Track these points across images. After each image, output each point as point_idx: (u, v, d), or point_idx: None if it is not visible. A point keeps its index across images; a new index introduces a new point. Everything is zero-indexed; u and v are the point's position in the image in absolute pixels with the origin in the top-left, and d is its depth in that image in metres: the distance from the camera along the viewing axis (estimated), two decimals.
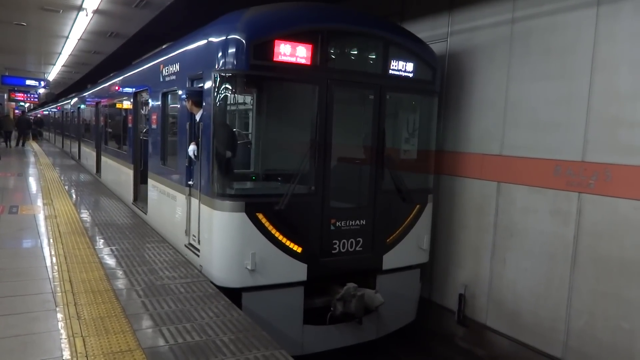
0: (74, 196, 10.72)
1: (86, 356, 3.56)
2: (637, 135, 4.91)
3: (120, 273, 5.53)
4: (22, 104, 40.81)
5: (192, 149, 5.92)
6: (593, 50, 5.28)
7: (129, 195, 9.69)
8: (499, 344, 6.39)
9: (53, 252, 6.14)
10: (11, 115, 33.88)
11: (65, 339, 3.83)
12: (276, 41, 5.27)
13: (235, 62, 5.24)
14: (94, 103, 14.82)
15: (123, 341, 3.83)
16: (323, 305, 5.88)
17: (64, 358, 3.54)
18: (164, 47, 7.93)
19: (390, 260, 6.31)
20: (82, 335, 3.89)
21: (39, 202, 9.55)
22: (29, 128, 29.39)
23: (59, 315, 4.27)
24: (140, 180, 9.12)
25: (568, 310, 5.55)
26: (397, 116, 7.05)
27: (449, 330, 7.13)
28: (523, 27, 6.07)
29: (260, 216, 5.37)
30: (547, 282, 5.79)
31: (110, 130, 12.73)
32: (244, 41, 5.18)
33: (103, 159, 13.17)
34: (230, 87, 5.38)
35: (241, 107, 7.86)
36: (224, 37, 5.36)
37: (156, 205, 7.80)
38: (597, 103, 5.25)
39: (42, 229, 7.38)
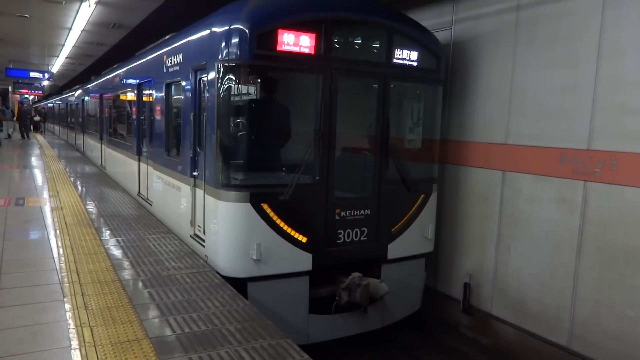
0: (79, 188, 10.76)
1: (94, 346, 3.60)
2: None
3: (126, 264, 5.57)
4: (26, 96, 40.83)
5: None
6: (599, 37, 5.22)
7: (133, 186, 9.72)
8: (503, 333, 6.41)
9: (60, 244, 6.19)
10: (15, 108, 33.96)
11: (73, 328, 3.87)
12: (279, 30, 5.24)
13: (238, 52, 5.22)
14: (98, 95, 14.83)
15: (130, 331, 3.87)
16: (328, 294, 5.90)
17: (72, 347, 3.57)
18: (167, 37, 7.90)
19: (395, 249, 6.32)
20: (89, 325, 3.93)
21: (45, 194, 9.61)
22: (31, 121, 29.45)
23: (67, 306, 4.31)
24: None
25: (573, 298, 5.55)
26: (402, 105, 7.01)
27: (454, 319, 7.15)
28: (528, 14, 6.00)
29: (265, 206, 5.38)
30: (552, 270, 5.79)
31: (114, 121, 12.74)
32: (247, 31, 5.15)
33: (108, 150, 13.20)
34: (234, 78, 5.37)
35: (245, 97, 7.83)
36: (227, 27, 5.33)
37: (161, 196, 7.83)
38: (603, 90, 5.20)
39: (49, 220, 7.43)
